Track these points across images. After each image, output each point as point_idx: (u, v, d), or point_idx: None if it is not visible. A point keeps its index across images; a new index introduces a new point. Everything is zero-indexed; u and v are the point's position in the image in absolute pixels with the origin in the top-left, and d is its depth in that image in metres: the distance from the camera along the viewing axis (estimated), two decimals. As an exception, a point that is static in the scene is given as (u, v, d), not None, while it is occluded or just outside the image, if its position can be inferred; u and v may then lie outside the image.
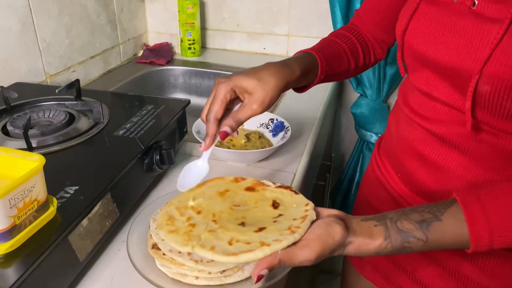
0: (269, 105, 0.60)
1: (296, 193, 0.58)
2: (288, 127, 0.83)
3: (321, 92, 1.15)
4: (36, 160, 0.50)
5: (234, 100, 0.60)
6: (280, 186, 0.59)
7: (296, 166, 0.81)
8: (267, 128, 0.87)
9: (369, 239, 0.49)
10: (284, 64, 0.64)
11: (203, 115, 0.60)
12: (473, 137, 0.57)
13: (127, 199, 0.64)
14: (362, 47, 0.76)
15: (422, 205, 0.52)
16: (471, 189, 0.51)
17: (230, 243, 0.48)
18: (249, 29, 1.40)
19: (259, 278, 0.46)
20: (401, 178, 0.70)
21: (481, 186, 0.58)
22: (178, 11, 1.32)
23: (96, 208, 0.55)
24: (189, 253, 0.52)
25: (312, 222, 0.50)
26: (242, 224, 0.51)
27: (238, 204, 0.56)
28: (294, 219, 0.51)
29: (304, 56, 0.68)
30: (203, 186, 0.60)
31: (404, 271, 0.72)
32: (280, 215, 0.53)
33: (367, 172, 0.84)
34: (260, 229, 0.50)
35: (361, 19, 0.78)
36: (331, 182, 1.30)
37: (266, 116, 0.88)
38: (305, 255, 0.46)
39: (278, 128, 0.86)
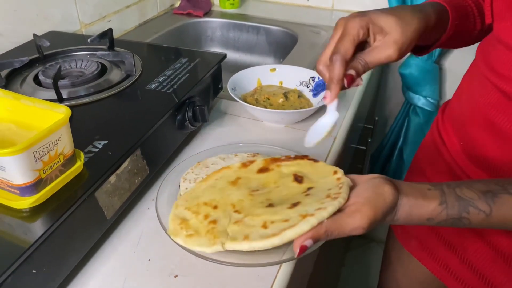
0: (406, 52, 0.50)
1: (315, 161, 0.51)
2: (330, 86, 0.77)
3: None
4: (62, 112, 0.47)
5: (361, 43, 0.50)
6: (295, 158, 0.52)
7: (337, 129, 0.75)
8: (307, 87, 0.81)
9: (422, 200, 0.42)
10: (419, 7, 0.54)
11: (322, 61, 0.50)
12: None
13: (158, 156, 0.61)
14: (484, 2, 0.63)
15: (489, 179, 0.45)
16: None
17: (264, 227, 0.41)
18: (292, -21, 1.30)
19: (303, 249, 0.39)
20: (464, 147, 0.62)
21: None
22: (218, -42, 1.25)
23: (125, 164, 0.53)
24: (218, 218, 0.49)
25: (350, 190, 0.44)
26: (271, 205, 0.44)
27: (256, 188, 0.48)
28: (329, 189, 0.44)
29: (435, 4, 0.57)
30: (209, 180, 0.52)
31: (453, 249, 0.67)
32: (309, 188, 0.46)
33: (425, 139, 0.76)
34: (294, 205, 0.43)
35: None
36: (372, 147, 1.24)
37: (306, 74, 0.82)
38: (356, 222, 0.40)
39: (319, 87, 0.79)
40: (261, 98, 0.78)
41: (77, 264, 0.47)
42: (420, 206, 0.42)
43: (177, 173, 0.60)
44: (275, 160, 0.52)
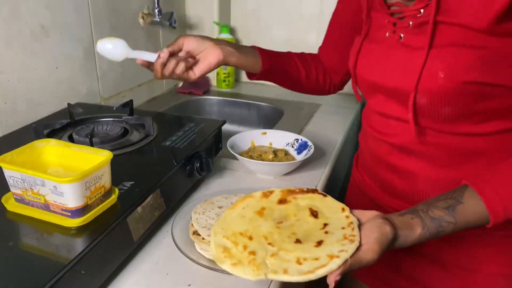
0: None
1: (324, 195, 0.64)
2: (311, 145, 0.94)
3: (345, 116, 1.26)
4: (105, 155, 0.62)
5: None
6: (307, 191, 0.64)
7: (317, 182, 0.90)
8: (292, 147, 0.98)
9: (410, 230, 0.56)
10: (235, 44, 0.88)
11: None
12: (421, 141, 0.68)
13: (172, 197, 0.75)
14: (315, 64, 0.94)
15: (443, 194, 0.60)
16: (477, 174, 0.60)
17: (299, 263, 0.50)
18: (278, 65, 1.53)
19: (336, 282, 0.52)
20: (379, 186, 0.81)
21: (484, 170, 0.63)
22: (216, 47, 1.48)
23: (148, 199, 0.66)
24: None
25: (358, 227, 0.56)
26: (298, 241, 0.54)
27: (280, 220, 0.59)
28: (343, 228, 0.56)
29: (251, 48, 0.91)
30: (236, 208, 0.62)
31: (391, 268, 0.81)
32: (325, 224, 0.57)
33: (350, 185, 0.95)
34: (319, 243, 0.54)
35: (321, 51, 0.97)
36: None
37: (292, 136, 0.99)
38: (370, 257, 0.53)
39: (302, 147, 0.96)
40: (254, 155, 0.93)
41: (108, 277, 0.59)
42: (410, 235, 0.57)
43: (187, 211, 0.73)
44: (291, 192, 0.63)
